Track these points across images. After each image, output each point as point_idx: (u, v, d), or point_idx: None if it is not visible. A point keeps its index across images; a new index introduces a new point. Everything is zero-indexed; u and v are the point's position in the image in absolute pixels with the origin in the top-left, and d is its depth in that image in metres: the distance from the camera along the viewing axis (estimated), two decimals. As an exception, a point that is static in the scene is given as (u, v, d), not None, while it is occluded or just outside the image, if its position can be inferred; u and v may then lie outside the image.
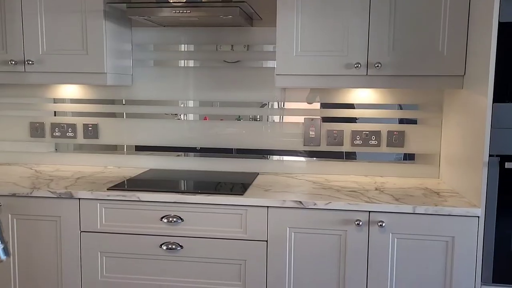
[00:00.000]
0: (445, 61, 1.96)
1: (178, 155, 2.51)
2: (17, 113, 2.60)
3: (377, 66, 1.97)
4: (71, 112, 2.57)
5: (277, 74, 2.06)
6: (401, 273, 1.81)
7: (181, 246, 1.91)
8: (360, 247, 1.82)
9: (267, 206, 1.85)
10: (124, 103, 2.52)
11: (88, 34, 2.14)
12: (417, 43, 1.97)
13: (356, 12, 1.98)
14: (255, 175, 2.35)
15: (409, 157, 2.38)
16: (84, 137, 2.57)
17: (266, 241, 1.87)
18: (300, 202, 1.82)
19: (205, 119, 2.49)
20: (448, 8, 1.93)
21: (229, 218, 1.89)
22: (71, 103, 2.56)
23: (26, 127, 2.60)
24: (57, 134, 2.59)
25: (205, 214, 1.90)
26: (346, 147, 2.40)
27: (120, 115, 2.54)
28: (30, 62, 2.16)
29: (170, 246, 1.91)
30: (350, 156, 2.41)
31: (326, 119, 2.40)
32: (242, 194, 1.90)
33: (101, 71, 2.16)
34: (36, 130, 2.60)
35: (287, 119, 2.43)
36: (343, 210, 1.81)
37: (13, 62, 2.17)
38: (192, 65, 2.46)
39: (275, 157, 2.46)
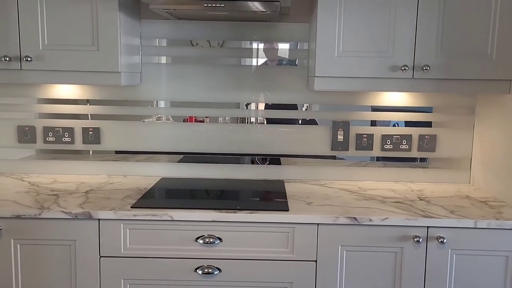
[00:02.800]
0: (493, 64, 1.85)
1: (182, 162, 2.27)
2: (2, 115, 2.25)
3: (425, 69, 1.83)
4: (68, 114, 2.26)
5: (316, 76, 1.88)
6: (460, 291, 1.71)
7: (219, 269, 1.70)
8: (417, 264, 1.69)
9: (317, 223, 1.68)
10: (129, 104, 2.25)
11: (99, 27, 1.85)
12: (465, 45, 1.85)
13: (403, 10, 1.83)
14: (281, 183, 2.17)
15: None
16: (84, 142, 2.27)
17: (315, 261, 1.70)
18: (355, 218, 1.66)
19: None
20: (498, 8, 1.82)
21: (274, 237, 1.70)
22: (66, 104, 2.25)
23: (13, 131, 2.26)
24: (51, 139, 2.27)
25: (246, 233, 1.70)
26: (376, 152, 2.27)
27: (126, 118, 2.26)
28: (28, 59, 1.85)
29: (206, 270, 1.69)
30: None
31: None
32: (287, 210, 1.71)
33: (115, 70, 1.88)
34: (26, 135, 2.26)
35: (311, 121, 2.27)
36: (400, 226, 1.67)
37: (7, 59, 1.85)
38: (211, 63, 2.22)
39: (298, 163, 2.29)
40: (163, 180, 2.19)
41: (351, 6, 1.83)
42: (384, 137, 2.25)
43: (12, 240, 1.69)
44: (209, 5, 1.74)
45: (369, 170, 2.26)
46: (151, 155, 2.28)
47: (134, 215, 1.67)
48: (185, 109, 2.25)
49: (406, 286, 1.70)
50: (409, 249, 1.68)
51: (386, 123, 2.25)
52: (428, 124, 2.26)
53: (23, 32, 1.85)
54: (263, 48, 2.21)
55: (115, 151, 2.27)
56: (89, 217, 1.67)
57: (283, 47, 2.21)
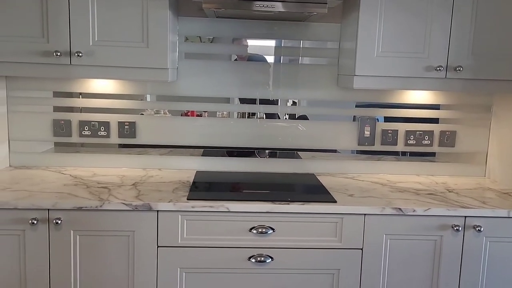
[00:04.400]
0: (519, 66, 2.01)
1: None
2: (37, 108, 2.26)
3: (458, 69, 1.97)
4: (101, 108, 2.30)
5: (356, 75, 1.99)
6: (493, 275, 1.85)
7: (271, 257, 1.80)
8: (454, 251, 1.83)
9: (364, 214, 1.80)
10: (165, 99, 2.31)
11: (149, 24, 1.90)
12: (494, 47, 1.99)
13: (439, 14, 1.95)
14: (313, 176, 2.27)
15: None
16: (119, 136, 2.31)
17: (361, 249, 1.82)
18: (400, 209, 1.79)
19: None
20: (525, 14, 1.97)
21: (324, 226, 1.80)
22: (101, 98, 2.28)
23: (48, 125, 2.28)
24: (87, 133, 2.30)
25: (298, 223, 1.80)
26: (400, 147, 2.40)
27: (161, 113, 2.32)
28: (79, 54, 1.88)
29: (259, 258, 1.79)
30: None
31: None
32: (335, 201, 1.82)
33: (164, 67, 1.93)
34: (61, 129, 2.29)
35: (339, 117, 2.38)
36: (441, 215, 1.81)
37: (58, 54, 1.87)
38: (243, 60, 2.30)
39: (316, 157, 2.39)
40: (199, 173, 2.26)
41: (391, 9, 1.94)
42: (408, 133, 2.38)
43: (72, 232, 1.74)
44: (261, 6, 1.82)
45: (390, 164, 2.39)
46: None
47: (192, 207, 1.74)
48: (217, 105, 2.32)
49: (444, 272, 1.84)
50: (448, 237, 1.82)
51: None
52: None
53: (73, 28, 1.88)
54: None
55: (141, 145, 2.33)
56: (149, 208, 1.73)
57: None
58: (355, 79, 1.99)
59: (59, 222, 1.71)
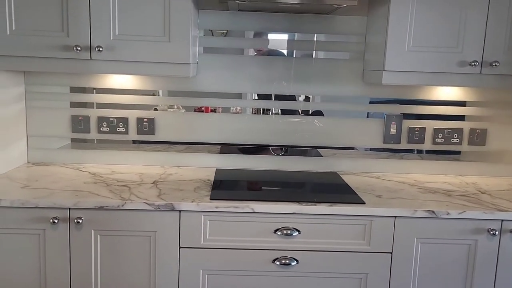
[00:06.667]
0: (558, 61, 1.90)
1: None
2: (55, 104, 2.22)
3: (495, 64, 1.87)
4: (121, 104, 2.24)
5: (385, 70, 1.90)
6: (529, 281, 1.77)
7: (296, 260, 1.73)
8: (489, 256, 1.75)
9: (395, 216, 1.72)
10: (185, 95, 2.24)
11: (171, 18, 1.83)
12: (531, 42, 1.89)
13: (475, 5, 1.85)
14: (336, 175, 2.20)
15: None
16: (138, 133, 2.26)
17: (391, 253, 1.74)
18: (433, 211, 1.70)
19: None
20: None
21: (351, 229, 1.73)
22: (120, 94, 2.23)
23: (67, 121, 2.24)
24: (105, 129, 2.25)
25: (324, 225, 1.73)
26: (427, 145, 2.31)
27: (179, 109, 2.26)
28: (99, 49, 1.82)
29: (284, 261, 1.72)
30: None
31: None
32: (363, 203, 1.74)
33: (186, 62, 1.87)
34: (80, 125, 2.24)
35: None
36: (476, 219, 1.72)
37: (78, 48, 1.82)
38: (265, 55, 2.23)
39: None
40: (219, 171, 2.20)
41: (423, 2, 1.85)
42: (436, 131, 2.29)
43: (92, 231, 1.69)
44: (289, -3, 1.74)
45: (414, 163, 2.30)
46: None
47: (216, 207, 1.68)
48: (237, 101, 2.26)
49: (478, 277, 1.76)
50: (483, 241, 1.74)
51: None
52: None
53: (94, 22, 1.82)
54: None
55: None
56: (172, 208, 1.67)
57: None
58: (384, 75, 1.91)
59: (80, 221, 1.66)
